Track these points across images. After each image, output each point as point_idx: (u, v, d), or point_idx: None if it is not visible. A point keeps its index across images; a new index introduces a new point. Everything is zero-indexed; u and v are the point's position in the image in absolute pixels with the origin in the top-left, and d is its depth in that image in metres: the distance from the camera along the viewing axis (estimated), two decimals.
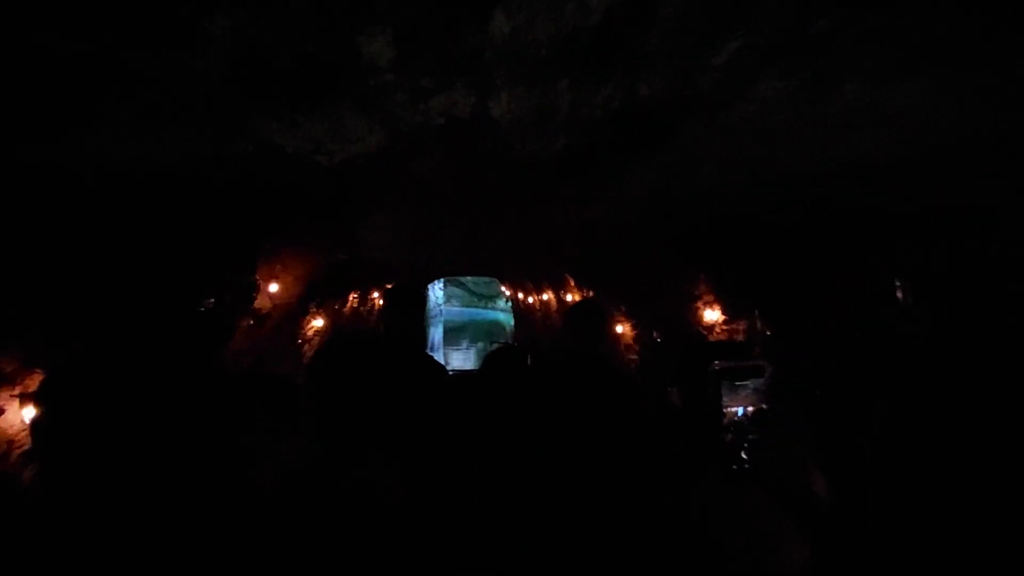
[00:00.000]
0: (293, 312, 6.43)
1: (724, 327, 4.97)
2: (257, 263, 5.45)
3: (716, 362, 1.60)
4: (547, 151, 2.14)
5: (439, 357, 15.55)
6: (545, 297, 9.65)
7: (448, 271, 12.17)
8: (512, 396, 1.83)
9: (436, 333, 16.85)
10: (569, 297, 8.32)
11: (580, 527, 1.54)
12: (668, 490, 1.58)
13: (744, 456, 1.57)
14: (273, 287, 5.62)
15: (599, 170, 2.66)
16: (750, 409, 1.60)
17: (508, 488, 1.51)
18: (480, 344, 16.08)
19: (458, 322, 17.17)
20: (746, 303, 4.67)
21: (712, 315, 4.99)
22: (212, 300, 4.94)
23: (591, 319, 2.43)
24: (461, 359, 14.72)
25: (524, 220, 4.14)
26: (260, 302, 5.76)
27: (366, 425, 1.78)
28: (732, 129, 1.87)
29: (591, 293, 7.47)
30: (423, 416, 1.88)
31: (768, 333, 4.32)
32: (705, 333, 5.12)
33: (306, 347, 7.00)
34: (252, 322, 5.50)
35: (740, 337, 4.85)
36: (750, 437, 1.58)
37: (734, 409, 1.60)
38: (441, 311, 17.23)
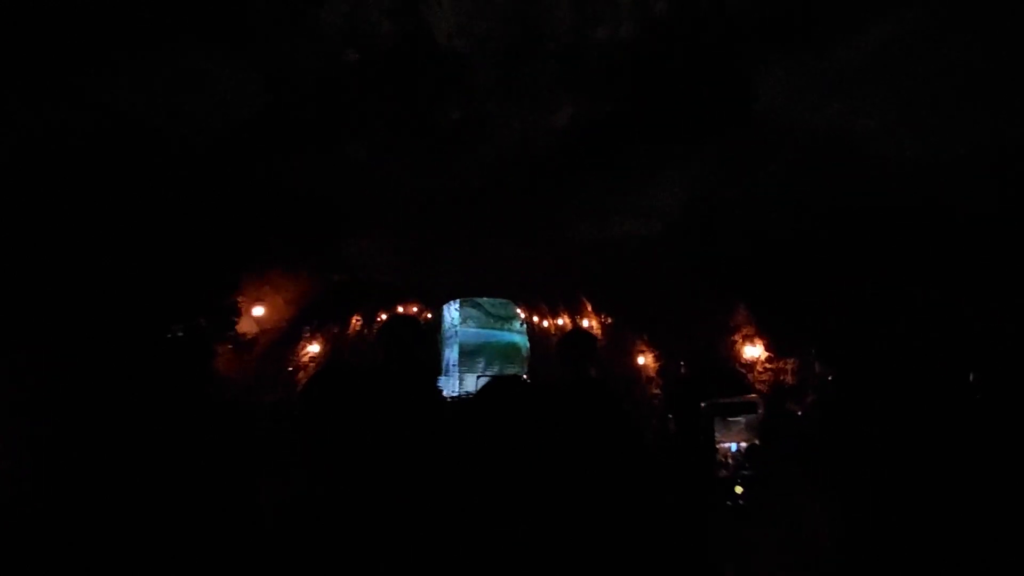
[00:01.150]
0: (284, 337, 5.71)
1: (767, 366, 4.07)
2: (240, 283, 4.76)
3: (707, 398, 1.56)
4: (544, 129, 1.37)
5: (453, 379, 14.79)
6: (561, 321, 8.85)
7: (460, 292, 11.52)
8: (500, 421, 1.67)
9: (451, 354, 16.12)
10: (585, 323, 7.52)
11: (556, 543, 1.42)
12: (656, 510, 1.53)
13: (738, 491, 1.50)
14: (258, 310, 4.91)
15: (622, 168, 1.84)
16: (743, 444, 1.54)
17: (497, 497, 1.44)
18: (496, 366, 15.26)
19: (473, 344, 16.41)
20: (798, 339, 3.75)
21: (753, 351, 4.09)
22: (181, 325, 4.22)
23: (579, 347, 2.41)
24: (475, 382, 13.90)
25: (532, 237, 3.33)
26: (245, 326, 5.07)
27: (358, 453, 1.71)
28: (846, 78, 1.05)
29: (610, 320, 6.65)
30: (417, 443, 1.83)
31: (830, 378, 3.37)
32: (744, 372, 4.23)
33: (300, 374, 6.27)
34: (232, 347, 4.78)
35: (788, 379, 3.94)
36: (744, 472, 1.51)
37: (727, 445, 1.54)
38: (456, 332, 16.51)
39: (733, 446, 1.55)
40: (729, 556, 1.43)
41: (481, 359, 15.84)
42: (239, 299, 4.83)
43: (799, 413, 3.71)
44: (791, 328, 3.79)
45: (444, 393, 10.90)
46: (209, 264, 4.12)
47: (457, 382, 14.68)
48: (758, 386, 4.13)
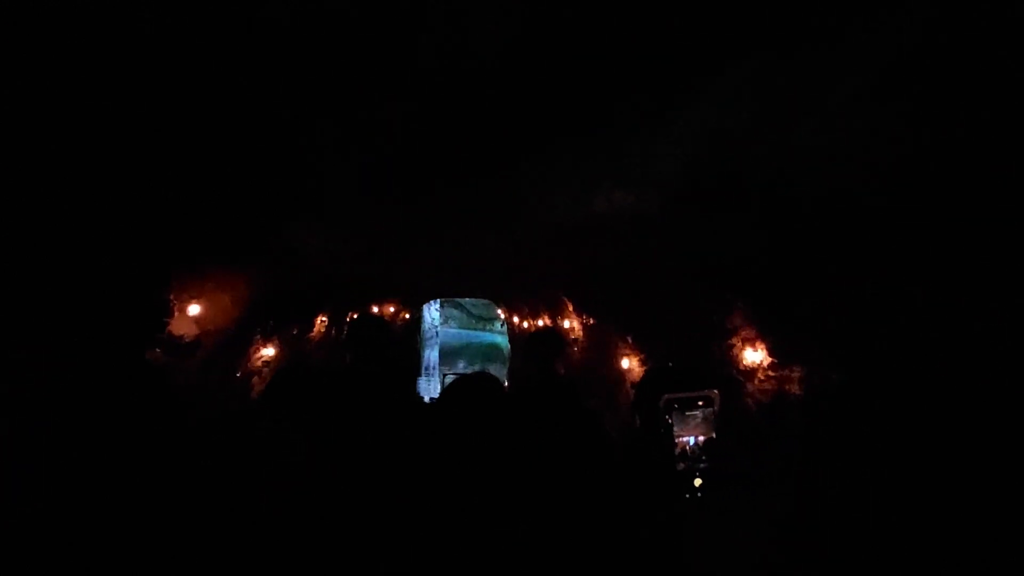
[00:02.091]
0: (233, 339, 5.01)
1: (770, 373, 3.49)
2: (170, 278, 4.06)
3: (666, 393, 1.55)
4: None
5: (434, 380, 14.14)
6: (541, 322, 8.27)
7: (439, 292, 10.90)
8: (463, 419, 1.61)
9: (432, 355, 15.49)
10: (567, 323, 6.94)
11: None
12: (614, 505, 1.56)
13: (696, 485, 1.51)
14: (194, 309, 4.20)
15: (606, 107, 1.23)
16: (701, 438, 1.55)
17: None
18: (477, 367, 14.67)
19: (455, 344, 15.86)
20: (807, 344, 3.19)
21: (754, 356, 3.51)
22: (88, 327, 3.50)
23: (546, 345, 2.48)
24: (444, 381, 13.21)
25: (501, 220, 2.70)
26: (182, 327, 4.36)
27: (316, 455, 1.63)
28: None
29: (592, 320, 6.07)
30: (381, 444, 1.73)
31: (851, 391, 2.79)
32: (742, 379, 3.66)
33: (255, 379, 5.57)
34: (164, 351, 4.08)
35: (794, 389, 3.37)
36: (701, 466, 1.52)
37: (686, 439, 1.55)
38: (437, 332, 15.89)
39: (691, 440, 1.56)
40: (694, 547, 1.45)
41: (462, 360, 15.24)
42: (171, 296, 4.12)
43: (814, 429, 3.15)
44: (799, 331, 3.20)
45: (423, 394, 10.33)
46: (129, 255, 3.42)
47: (438, 383, 14.02)
48: (759, 396, 3.56)
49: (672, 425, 1.51)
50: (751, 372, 3.54)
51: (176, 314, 4.19)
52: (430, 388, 13.17)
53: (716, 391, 1.57)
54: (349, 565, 1.34)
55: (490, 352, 15.57)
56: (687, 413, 1.52)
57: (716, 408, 1.55)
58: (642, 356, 5.21)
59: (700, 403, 1.53)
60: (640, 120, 1.38)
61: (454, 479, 1.38)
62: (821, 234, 2.48)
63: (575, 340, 6.74)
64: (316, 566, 1.35)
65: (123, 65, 2.01)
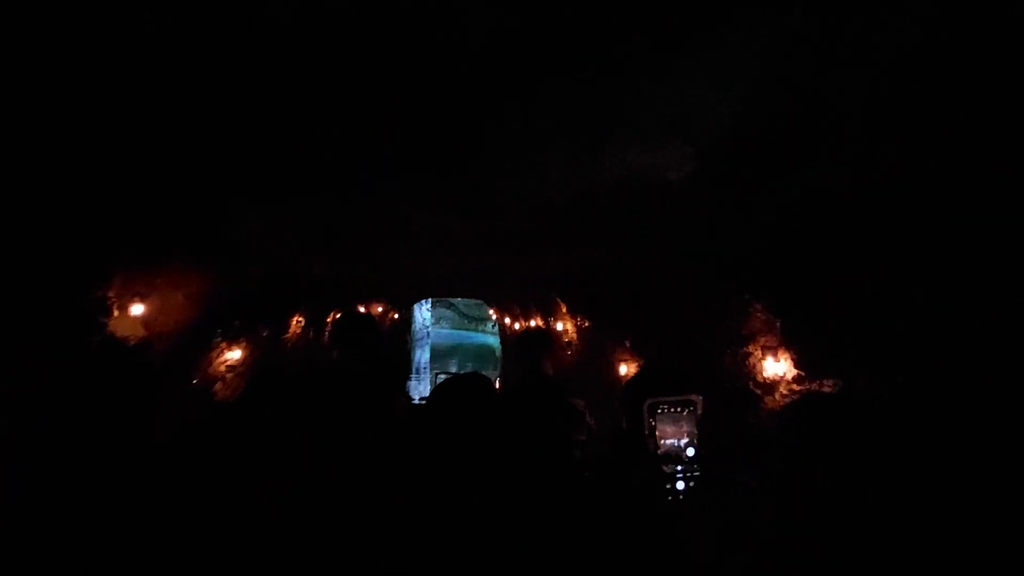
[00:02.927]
0: (190, 341, 4.44)
1: (796, 387, 2.98)
2: (110, 274, 3.51)
3: (649, 396, 1.54)
4: None
5: (425, 380, 13.59)
6: (533, 323, 7.76)
7: (428, 292, 10.37)
8: (458, 420, 1.57)
9: (422, 356, 14.93)
10: (560, 325, 6.43)
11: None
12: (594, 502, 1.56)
13: (681, 488, 1.50)
14: (137, 308, 3.63)
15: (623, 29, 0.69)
16: (684, 441, 1.53)
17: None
18: (469, 368, 14.14)
19: (447, 345, 15.33)
20: (840, 353, 2.70)
21: (776, 367, 2.98)
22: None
23: (535, 345, 2.44)
24: (436, 381, 12.69)
25: (479, 198, 2.17)
26: (126, 328, 3.78)
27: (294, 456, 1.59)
28: None
29: (587, 323, 5.56)
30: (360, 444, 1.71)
31: (907, 412, 2.32)
32: (759, 392, 3.15)
33: (218, 385, 4.99)
34: (98, 353, 3.51)
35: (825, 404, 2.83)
36: (684, 468, 1.51)
37: (671, 441, 1.54)
38: (428, 333, 15.35)
39: (675, 442, 1.52)
40: (688, 548, 1.44)
41: (454, 360, 14.68)
42: (109, 295, 3.54)
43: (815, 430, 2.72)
44: (831, 339, 2.69)
45: (412, 394, 9.78)
46: (56, 247, 2.85)
47: (428, 384, 13.46)
48: (779, 412, 3.03)
49: (655, 427, 1.51)
50: (772, 384, 3.00)
51: (117, 313, 3.64)
52: (420, 389, 12.63)
53: (700, 396, 1.56)
54: (346, 564, 1.32)
55: (482, 353, 15.05)
56: (670, 416, 1.51)
57: (699, 412, 1.54)
58: (641, 362, 4.71)
59: (687, 408, 1.52)
60: (660, 51, 0.86)
61: (448, 477, 1.34)
62: (861, 226, 1.98)
63: (568, 343, 6.23)
64: (313, 565, 1.33)
65: (70, 51, 1.54)
